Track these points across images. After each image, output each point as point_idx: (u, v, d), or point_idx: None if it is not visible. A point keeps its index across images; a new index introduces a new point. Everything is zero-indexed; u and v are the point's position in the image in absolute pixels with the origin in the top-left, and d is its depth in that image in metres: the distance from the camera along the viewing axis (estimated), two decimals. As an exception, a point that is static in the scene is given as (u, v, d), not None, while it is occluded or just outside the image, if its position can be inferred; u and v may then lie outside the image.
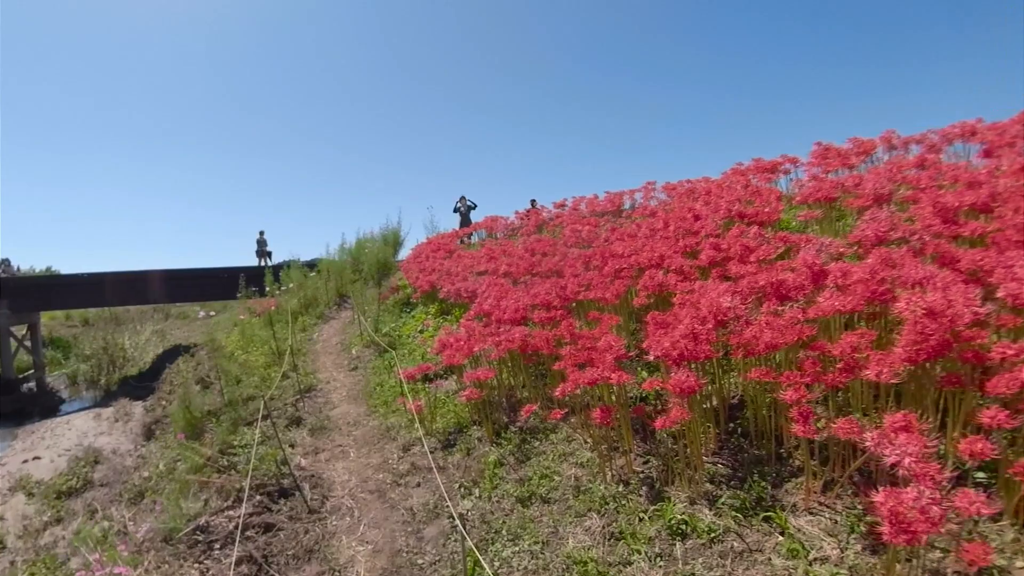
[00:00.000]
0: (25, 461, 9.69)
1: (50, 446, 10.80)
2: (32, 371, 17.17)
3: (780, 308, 2.58)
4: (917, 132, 5.20)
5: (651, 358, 2.63)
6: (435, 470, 3.42)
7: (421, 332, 6.86)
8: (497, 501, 3.12)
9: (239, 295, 12.91)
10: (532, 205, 12.54)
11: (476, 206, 13.37)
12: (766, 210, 3.95)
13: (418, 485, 3.64)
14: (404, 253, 11.57)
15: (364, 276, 11.23)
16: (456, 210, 13.76)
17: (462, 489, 3.38)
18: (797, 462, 2.55)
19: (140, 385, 14.18)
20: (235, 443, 5.03)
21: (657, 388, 2.89)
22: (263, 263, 16.94)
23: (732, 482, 2.58)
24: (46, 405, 15.68)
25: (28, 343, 17.46)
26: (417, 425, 4.04)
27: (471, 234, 10.28)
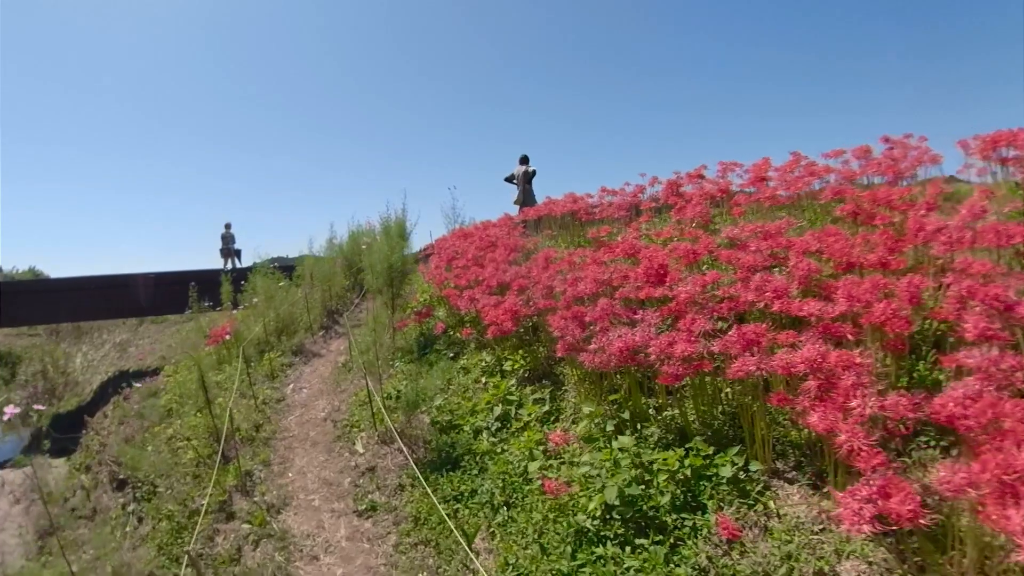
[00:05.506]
0: None
1: (-90, 551, 7.39)
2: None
3: None
4: None
5: None
6: None
7: (521, 429, 3.36)
8: None
9: (189, 310, 9.61)
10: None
11: (536, 173, 8.65)
12: None
13: None
14: (411, 248, 8.00)
15: (364, 285, 7.68)
16: (513, 178, 8.74)
17: None
18: None
19: (66, 437, 10.68)
20: None
21: None
22: (229, 264, 13.35)
23: None
24: (-38, 452, 12.25)
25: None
26: None
27: (526, 223, 6.72)
